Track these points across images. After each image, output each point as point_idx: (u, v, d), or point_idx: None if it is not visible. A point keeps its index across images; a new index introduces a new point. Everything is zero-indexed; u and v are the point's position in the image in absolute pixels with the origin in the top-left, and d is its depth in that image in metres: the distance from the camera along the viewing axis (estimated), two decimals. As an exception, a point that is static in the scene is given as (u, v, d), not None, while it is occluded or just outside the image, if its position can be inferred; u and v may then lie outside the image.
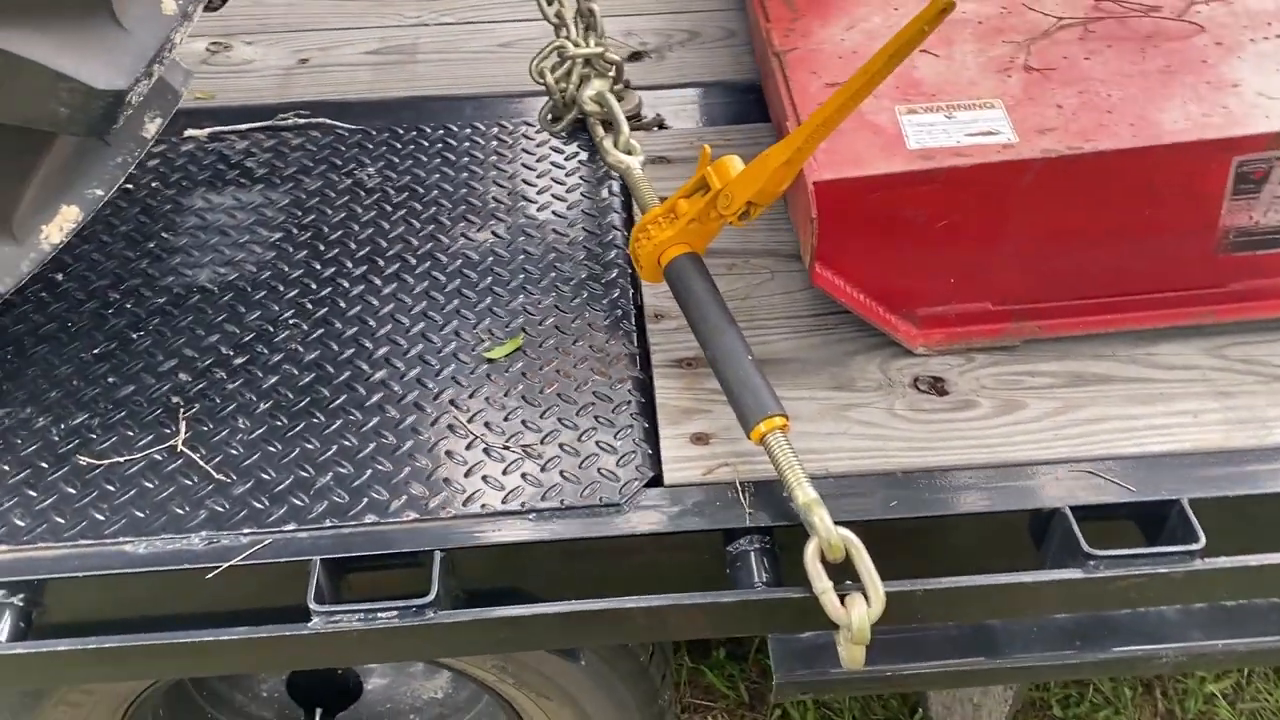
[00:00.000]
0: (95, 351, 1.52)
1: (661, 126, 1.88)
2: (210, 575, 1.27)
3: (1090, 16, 1.60)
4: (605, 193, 1.77)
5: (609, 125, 1.69)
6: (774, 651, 1.46)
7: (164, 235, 1.70)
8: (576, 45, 1.69)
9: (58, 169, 1.30)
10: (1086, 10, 1.62)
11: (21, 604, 1.27)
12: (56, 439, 1.41)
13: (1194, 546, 1.27)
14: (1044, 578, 1.28)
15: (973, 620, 1.42)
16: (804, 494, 1.24)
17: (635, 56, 2.05)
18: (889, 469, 1.37)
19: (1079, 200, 1.41)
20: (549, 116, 1.76)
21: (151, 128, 1.35)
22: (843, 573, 1.20)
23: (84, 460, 1.38)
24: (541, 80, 1.72)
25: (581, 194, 1.76)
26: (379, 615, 1.23)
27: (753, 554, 1.31)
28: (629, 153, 1.65)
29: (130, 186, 1.78)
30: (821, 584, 1.19)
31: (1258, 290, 1.49)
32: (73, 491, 1.35)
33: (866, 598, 1.18)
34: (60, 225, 1.33)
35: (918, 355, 1.50)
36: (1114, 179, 1.39)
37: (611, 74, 1.73)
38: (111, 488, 1.35)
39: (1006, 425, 1.42)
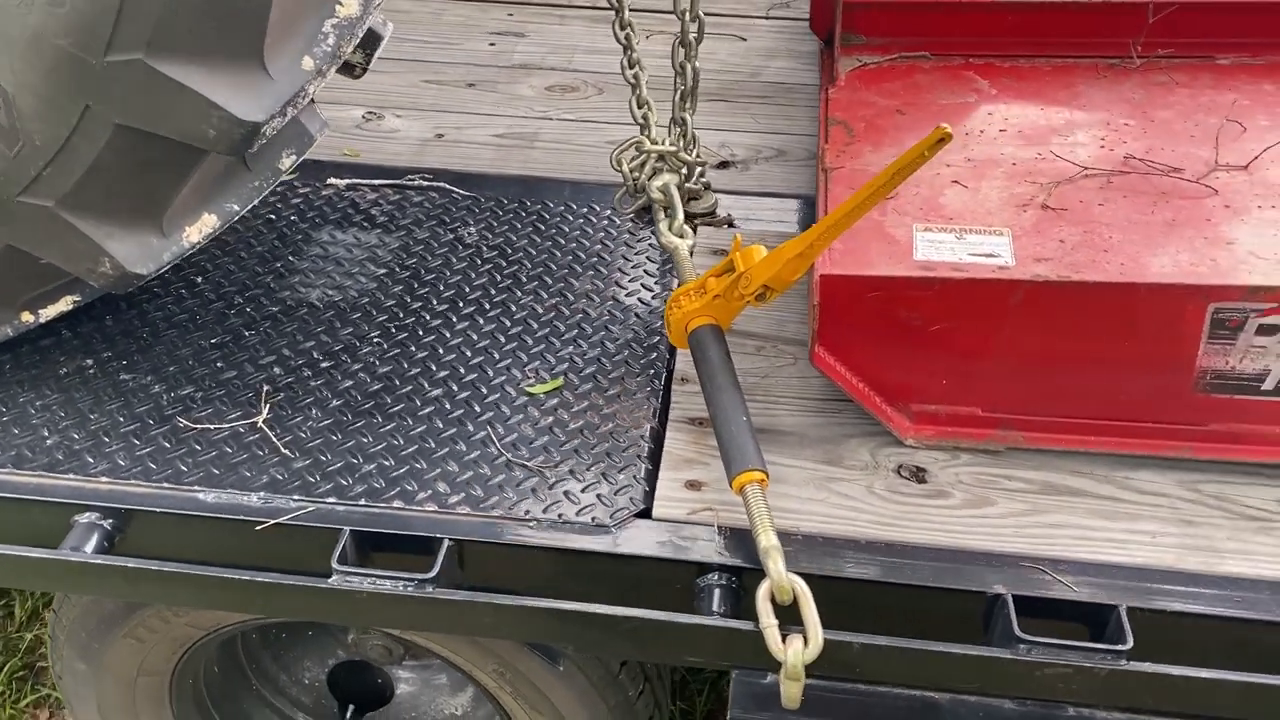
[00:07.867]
0: (213, 341, 1.82)
1: (730, 225, 2.11)
2: (260, 528, 1.52)
3: (1116, 170, 1.76)
4: (666, 274, 1.99)
5: (669, 212, 1.92)
6: (734, 691, 1.59)
7: (290, 258, 2.01)
8: (653, 143, 1.95)
9: (205, 183, 1.60)
10: (1114, 164, 1.78)
11: (109, 528, 1.54)
12: (165, 403, 1.70)
13: (1121, 647, 1.37)
14: (975, 651, 1.39)
15: (908, 682, 1.52)
16: (766, 539, 1.40)
17: (723, 165, 2.29)
18: (854, 537, 1.52)
19: (1065, 325, 1.55)
20: (621, 200, 2.02)
21: (286, 161, 1.65)
22: (794, 619, 1.35)
23: (182, 423, 1.66)
24: (618, 168, 1.98)
25: (644, 271, 1.99)
26: (386, 582, 1.44)
27: (718, 589, 1.48)
28: (680, 236, 1.88)
29: (273, 217, 2.11)
30: (767, 620, 1.35)
31: (1236, 433, 1.59)
32: (168, 446, 1.63)
33: (805, 640, 1.33)
34: (200, 229, 1.63)
35: (907, 446, 1.65)
36: (1097, 309, 1.53)
37: (682, 171, 1.98)
38: (198, 447, 1.63)
39: (972, 517, 1.55)
